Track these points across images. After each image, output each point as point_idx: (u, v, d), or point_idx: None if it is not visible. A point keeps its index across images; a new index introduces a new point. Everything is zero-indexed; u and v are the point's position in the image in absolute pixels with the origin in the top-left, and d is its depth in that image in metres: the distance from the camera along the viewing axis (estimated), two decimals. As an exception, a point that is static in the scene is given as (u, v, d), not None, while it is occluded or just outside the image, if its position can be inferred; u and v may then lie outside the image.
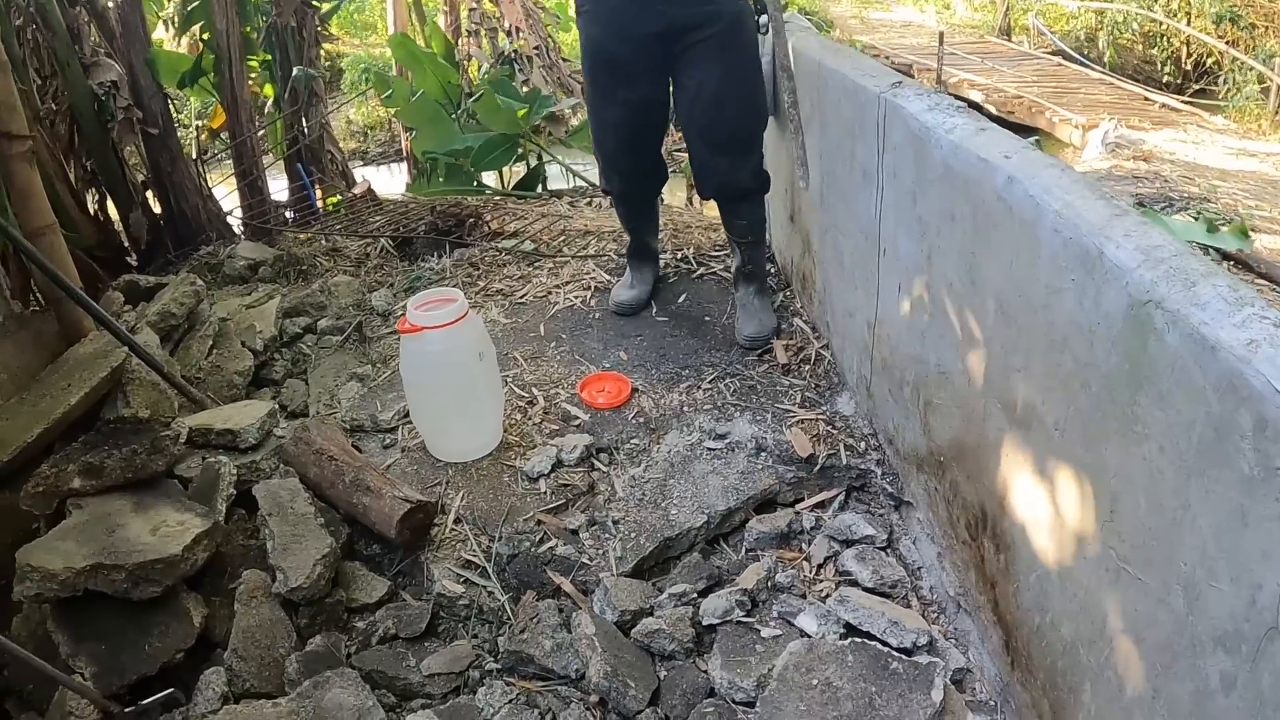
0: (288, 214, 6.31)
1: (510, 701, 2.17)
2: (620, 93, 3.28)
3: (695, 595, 2.41)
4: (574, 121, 7.63)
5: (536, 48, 8.26)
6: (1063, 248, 1.58)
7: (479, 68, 8.54)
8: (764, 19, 3.23)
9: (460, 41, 8.95)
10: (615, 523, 2.64)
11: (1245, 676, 1.22)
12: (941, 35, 12.97)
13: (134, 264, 5.54)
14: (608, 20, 3.17)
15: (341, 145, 7.25)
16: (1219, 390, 1.22)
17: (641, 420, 3.04)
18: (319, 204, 6.53)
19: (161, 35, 7.12)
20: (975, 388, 2.01)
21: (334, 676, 2.16)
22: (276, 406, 3.22)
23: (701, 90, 3.15)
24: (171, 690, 2.20)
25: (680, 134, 8.31)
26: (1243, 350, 1.19)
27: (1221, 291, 1.30)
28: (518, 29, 8.30)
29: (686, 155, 7.34)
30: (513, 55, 8.16)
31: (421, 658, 2.33)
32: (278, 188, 6.69)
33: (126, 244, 5.63)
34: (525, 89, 7.55)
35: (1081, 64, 15.24)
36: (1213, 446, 1.24)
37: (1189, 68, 15.58)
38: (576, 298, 3.89)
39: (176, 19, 6.25)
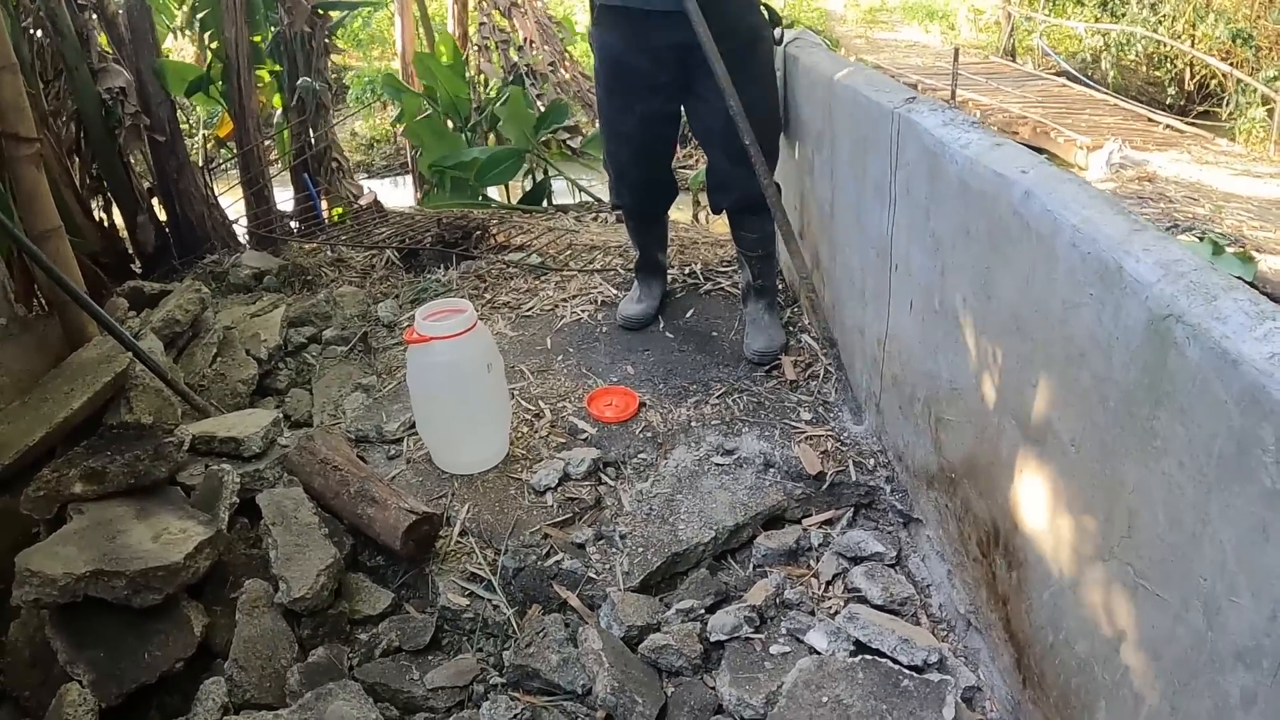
0: (293, 224, 6.32)
1: (515, 716, 2.14)
2: (637, 105, 3.28)
3: (703, 611, 2.38)
4: (586, 133, 7.65)
5: (550, 63, 8.27)
6: (1081, 262, 1.57)
7: (485, 82, 8.55)
8: (778, 32, 3.24)
9: (469, 56, 8.97)
10: (622, 537, 2.62)
11: (1266, 692, 1.20)
12: (957, 51, 13.00)
13: (138, 270, 5.55)
14: (626, 32, 3.17)
15: (345, 156, 7.26)
16: (1241, 404, 1.20)
17: (649, 435, 3.02)
18: (325, 214, 6.54)
19: (170, 45, 7.15)
20: (989, 404, 1.99)
21: (336, 689, 2.13)
22: (280, 416, 3.20)
23: (722, 101, 3.14)
24: None
25: (685, 151, 8.36)
26: (1265, 364, 1.18)
27: (1243, 305, 1.29)
28: (531, 42, 8.31)
29: (691, 173, 7.39)
30: (525, 70, 8.17)
31: (425, 671, 2.31)
32: (284, 197, 6.71)
33: (131, 250, 5.64)
34: (539, 103, 7.57)
35: (1086, 85, 15.28)
36: (1234, 461, 1.23)
37: (1192, 89, 15.63)
38: (583, 311, 3.88)
39: (187, 30, 6.26)
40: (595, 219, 5.99)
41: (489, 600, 2.51)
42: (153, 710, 2.26)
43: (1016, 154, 1.91)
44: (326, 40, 6.54)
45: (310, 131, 6.50)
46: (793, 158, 3.48)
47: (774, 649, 2.22)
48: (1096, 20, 17.26)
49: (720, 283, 4.05)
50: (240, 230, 6.15)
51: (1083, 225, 1.58)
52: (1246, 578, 1.22)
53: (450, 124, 7.67)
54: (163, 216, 5.78)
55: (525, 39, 8.38)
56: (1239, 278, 1.40)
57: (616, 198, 3.65)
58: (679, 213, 7.75)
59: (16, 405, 2.92)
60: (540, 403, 3.23)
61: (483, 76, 8.54)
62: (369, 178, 14.20)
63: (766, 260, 3.48)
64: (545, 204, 7.22)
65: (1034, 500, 1.82)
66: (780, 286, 3.87)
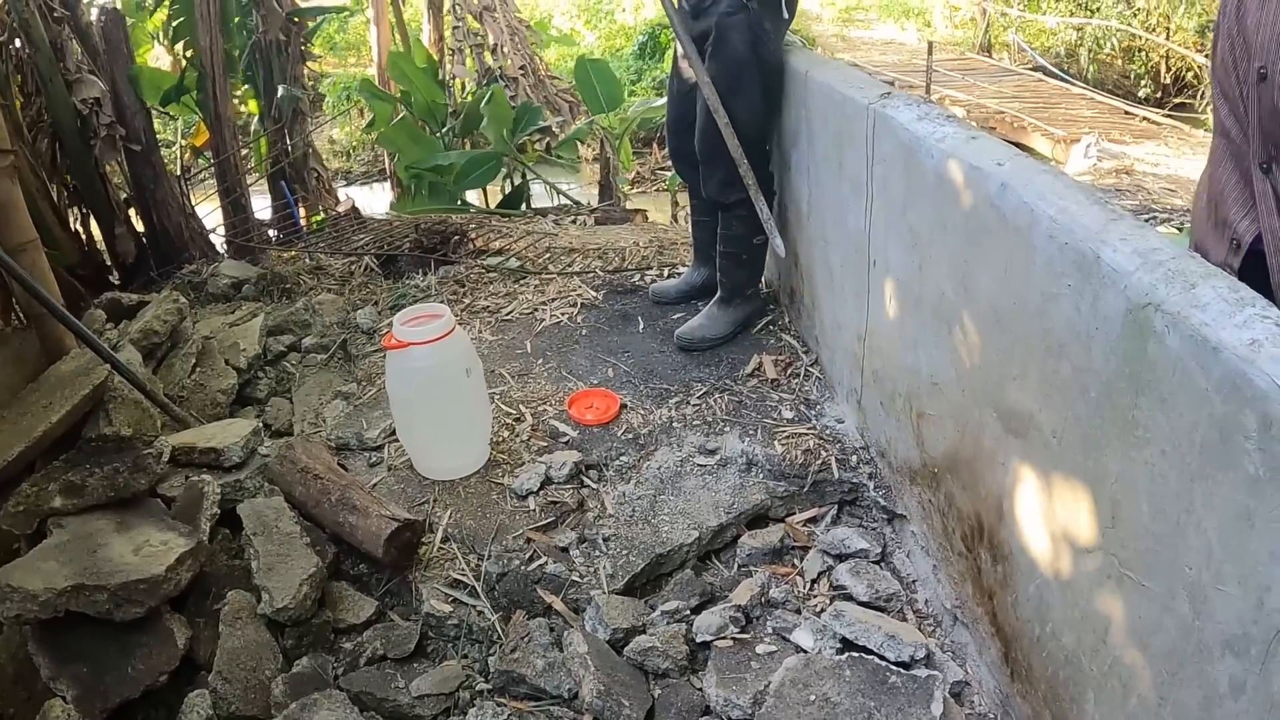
0: (271, 232, 6.29)
1: (501, 721, 2.14)
2: (673, 81, 3.51)
3: (688, 612, 2.37)
4: (560, 136, 7.65)
5: (522, 67, 8.27)
6: (1058, 253, 1.56)
7: (462, 86, 8.54)
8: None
9: (444, 60, 8.94)
10: (606, 540, 2.61)
11: (1255, 680, 1.20)
12: (931, 45, 13.04)
13: (116, 282, 5.51)
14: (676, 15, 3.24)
15: (325, 164, 7.23)
16: (1222, 391, 1.20)
17: (630, 437, 3.01)
18: (303, 222, 6.50)
19: (159, 52, 7.13)
20: (970, 397, 1.99)
21: (321, 698, 2.12)
22: (261, 425, 3.18)
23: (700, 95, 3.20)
24: None
25: (663, 152, 8.38)
26: (1245, 350, 1.18)
27: (1222, 292, 1.29)
28: (502, 47, 8.31)
29: (669, 174, 7.41)
30: (499, 73, 8.17)
31: (411, 679, 2.29)
32: (261, 206, 6.67)
33: (109, 262, 5.59)
34: (514, 105, 7.58)
35: (1062, 79, 15.35)
36: (1216, 448, 1.23)
37: (1168, 81, 15.71)
38: (563, 314, 3.87)
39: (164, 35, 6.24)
40: (574, 222, 5.97)
41: (473, 606, 2.49)
42: (137, 724, 2.24)
43: (992, 147, 1.91)
44: (302, 47, 6.51)
45: (287, 138, 6.47)
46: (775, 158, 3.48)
47: (760, 648, 2.21)
48: (1071, 15, 17.34)
49: (701, 283, 4.04)
50: (218, 240, 6.11)
51: (1059, 216, 1.58)
52: (1232, 565, 1.22)
53: (426, 128, 7.65)
54: (140, 227, 5.73)
55: (495, 43, 8.37)
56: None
57: None
58: (658, 214, 7.76)
59: (-7, 420, 2.89)
60: (521, 407, 3.22)
61: (458, 81, 8.52)
62: (347, 184, 14.15)
63: (728, 259, 3.47)
64: (524, 208, 7.20)
65: (1018, 493, 1.82)
66: (764, 290, 3.84)
